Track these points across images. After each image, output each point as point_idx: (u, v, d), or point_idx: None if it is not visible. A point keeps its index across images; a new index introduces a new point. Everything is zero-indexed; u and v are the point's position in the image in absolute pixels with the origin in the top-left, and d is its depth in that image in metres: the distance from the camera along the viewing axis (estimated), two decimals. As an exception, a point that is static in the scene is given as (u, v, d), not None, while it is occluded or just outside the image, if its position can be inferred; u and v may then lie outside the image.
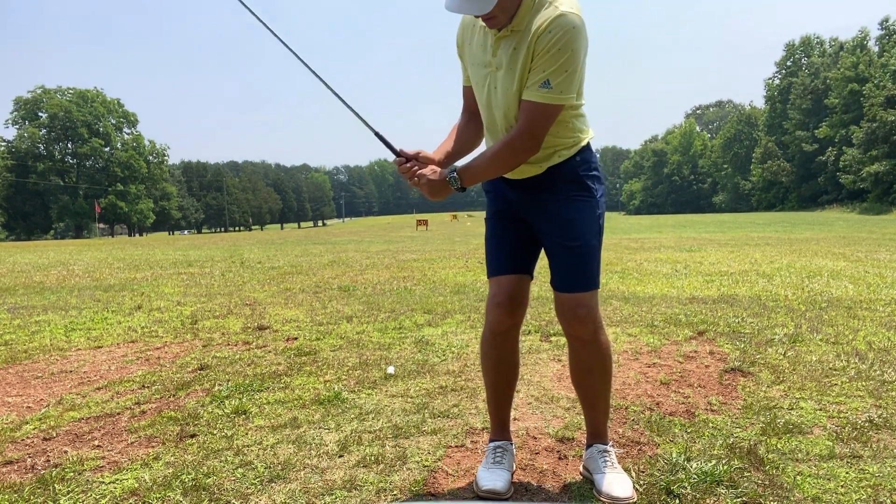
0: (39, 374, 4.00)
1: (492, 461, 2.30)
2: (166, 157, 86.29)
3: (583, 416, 2.43)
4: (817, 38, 79.33)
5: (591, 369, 2.26)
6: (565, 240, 2.16)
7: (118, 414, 3.17)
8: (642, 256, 11.56)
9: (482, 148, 2.34)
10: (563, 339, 4.49)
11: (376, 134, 2.19)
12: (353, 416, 3.01)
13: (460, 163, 2.19)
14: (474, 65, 2.17)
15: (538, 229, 2.24)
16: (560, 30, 1.90)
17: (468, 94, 2.31)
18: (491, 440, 2.41)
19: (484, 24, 2.06)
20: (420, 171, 2.10)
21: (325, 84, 2.22)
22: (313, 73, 2.23)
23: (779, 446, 2.52)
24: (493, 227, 2.35)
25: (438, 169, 2.13)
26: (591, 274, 2.16)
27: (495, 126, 2.18)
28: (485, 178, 2.18)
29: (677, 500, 2.10)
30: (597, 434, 2.34)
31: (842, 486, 2.18)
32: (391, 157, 2.21)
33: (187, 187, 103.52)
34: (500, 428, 2.42)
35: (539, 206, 2.21)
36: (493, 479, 2.19)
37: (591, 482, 2.24)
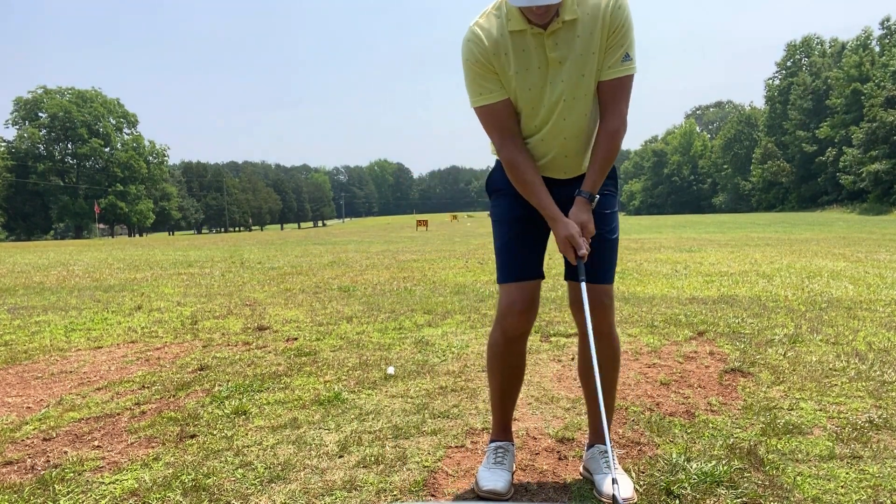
0: (39, 375, 4.00)
1: (493, 461, 2.30)
2: (166, 158, 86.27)
3: (584, 417, 2.44)
4: (818, 38, 79.34)
5: (603, 364, 2.22)
6: (606, 232, 2.23)
7: (118, 414, 3.17)
8: (642, 257, 11.56)
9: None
10: (564, 340, 4.49)
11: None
12: (353, 416, 3.01)
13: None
14: (523, 70, 2.07)
15: None
16: (625, 4, 2.03)
17: (500, 110, 2.12)
18: (492, 440, 2.41)
19: (517, 28, 2.02)
20: (580, 240, 2.10)
21: None
22: None
23: (779, 447, 2.52)
24: (513, 230, 2.28)
25: (573, 214, 2.13)
26: (615, 265, 2.30)
27: (548, 120, 2.12)
28: (605, 176, 2.19)
29: (677, 501, 2.10)
30: (599, 434, 2.33)
31: (842, 487, 2.18)
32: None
33: (187, 188, 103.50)
34: (502, 429, 2.43)
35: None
36: (493, 479, 2.19)
37: (592, 482, 2.24)
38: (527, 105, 2.12)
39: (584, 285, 2.13)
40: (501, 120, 2.14)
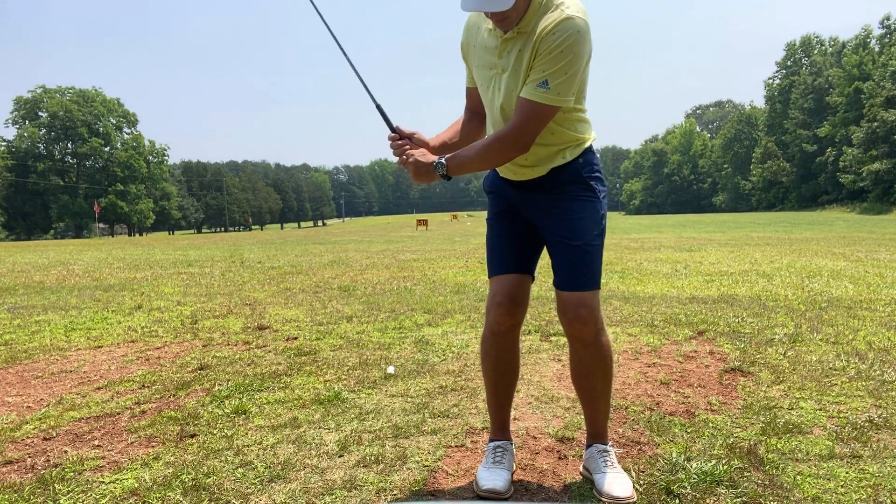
0: (39, 374, 4.00)
1: (492, 461, 2.30)
2: (166, 157, 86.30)
3: (583, 416, 2.43)
4: (818, 37, 79.33)
5: (592, 371, 2.24)
6: (569, 239, 2.16)
7: (118, 414, 3.17)
8: (642, 256, 11.55)
9: None
10: (564, 339, 4.49)
11: (377, 106, 2.24)
12: (353, 416, 3.01)
13: None
14: (480, 67, 2.18)
15: (542, 227, 2.25)
16: (564, 32, 1.91)
17: (472, 94, 2.35)
18: (491, 440, 2.41)
19: (490, 26, 2.07)
20: (410, 151, 2.17)
21: (336, 40, 2.28)
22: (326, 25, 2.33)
23: (779, 446, 2.52)
24: (494, 227, 2.37)
25: (428, 153, 2.18)
26: (592, 273, 2.17)
27: (495, 124, 2.20)
28: (471, 170, 2.16)
29: (677, 500, 2.10)
30: (597, 434, 2.33)
31: (842, 486, 2.18)
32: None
33: (187, 187, 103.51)
34: (500, 428, 2.42)
35: (543, 206, 2.22)
36: (493, 478, 2.19)
37: (591, 482, 2.24)
38: (486, 104, 2.24)
39: (558, 293, 2.21)
40: (472, 102, 2.39)
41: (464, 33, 2.24)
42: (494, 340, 2.32)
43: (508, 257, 2.29)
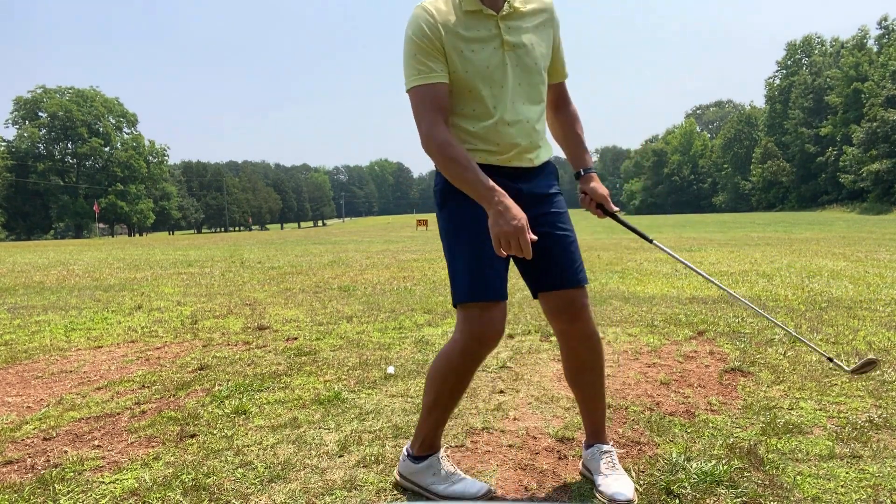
0: (39, 374, 4.00)
1: (453, 470, 2.22)
2: (166, 157, 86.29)
3: (580, 416, 2.43)
4: (818, 37, 79.31)
5: (594, 366, 2.21)
6: (570, 232, 2.17)
7: (118, 414, 3.17)
8: (642, 256, 11.55)
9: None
10: (563, 339, 4.50)
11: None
12: (353, 416, 3.01)
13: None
14: (480, 49, 2.03)
15: (542, 223, 2.11)
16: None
17: (444, 93, 2.01)
18: (434, 452, 2.24)
19: (472, 8, 2.00)
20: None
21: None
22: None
23: (779, 446, 2.52)
24: (487, 242, 1.96)
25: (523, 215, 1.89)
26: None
27: (514, 104, 2.07)
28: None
29: (677, 500, 2.10)
30: (597, 433, 2.32)
31: (842, 486, 2.18)
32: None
33: (187, 187, 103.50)
34: (438, 439, 2.28)
35: (544, 199, 2.15)
36: (476, 483, 2.17)
37: (591, 482, 2.24)
38: (486, 86, 2.04)
39: (564, 293, 2.12)
40: (440, 101, 1.99)
41: (427, 26, 1.98)
42: (474, 368, 2.12)
43: (504, 279, 2.06)
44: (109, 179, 76.40)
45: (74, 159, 76.76)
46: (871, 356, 2.78)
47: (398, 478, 2.25)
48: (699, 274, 2.38)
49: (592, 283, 7.81)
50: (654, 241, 2.28)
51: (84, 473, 2.44)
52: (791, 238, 17.03)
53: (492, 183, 1.87)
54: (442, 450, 2.28)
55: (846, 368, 2.35)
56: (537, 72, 2.10)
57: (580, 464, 2.39)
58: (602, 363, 2.25)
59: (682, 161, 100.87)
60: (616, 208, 2.28)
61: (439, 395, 2.15)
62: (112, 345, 4.84)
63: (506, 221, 1.82)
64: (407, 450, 2.26)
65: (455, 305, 2.07)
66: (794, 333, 2.52)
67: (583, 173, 2.28)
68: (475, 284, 2.01)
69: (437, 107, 1.98)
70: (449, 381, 2.12)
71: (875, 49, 65.64)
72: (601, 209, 2.27)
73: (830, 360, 2.42)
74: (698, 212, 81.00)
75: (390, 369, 3.79)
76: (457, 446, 2.63)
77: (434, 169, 2.11)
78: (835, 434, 2.64)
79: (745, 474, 2.27)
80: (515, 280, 8.25)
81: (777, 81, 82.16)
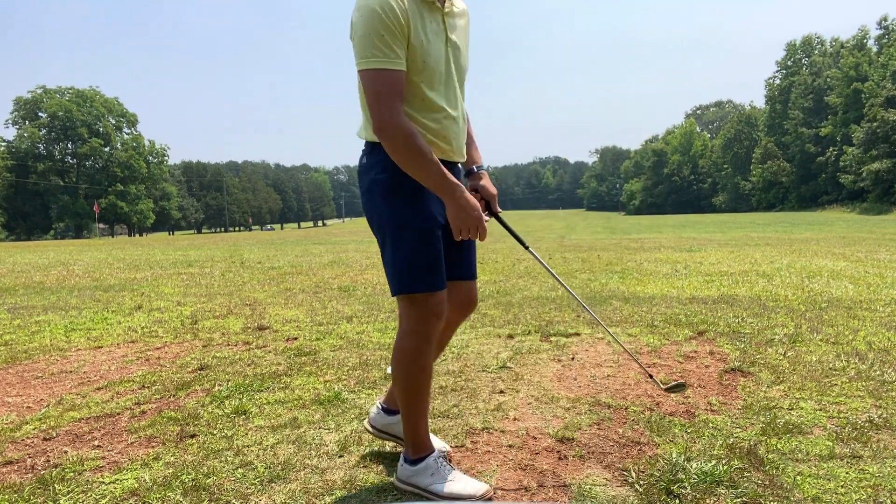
0: (39, 374, 4.00)
1: (450, 469, 2.22)
2: (166, 157, 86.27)
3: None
4: (818, 37, 79.32)
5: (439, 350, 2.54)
6: None
7: (118, 414, 3.17)
8: (642, 256, 11.56)
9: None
10: (564, 340, 4.50)
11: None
12: (353, 416, 3.01)
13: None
14: (437, 41, 2.05)
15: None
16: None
17: (403, 81, 1.98)
18: (429, 453, 2.24)
19: (430, 2, 2.03)
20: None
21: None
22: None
23: (779, 446, 2.52)
24: (436, 232, 2.14)
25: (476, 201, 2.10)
26: None
27: (455, 100, 2.17)
28: None
29: (677, 501, 2.10)
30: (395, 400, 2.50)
31: (842, 486, 2.18)
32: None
33: (187, 187, 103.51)
34: (429, 437, 2.30)
35: None
36: (475, 483, 2.17)
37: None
38: (439, 81, 2.06)
39: (465, 284, 2.37)
40: (400, 89, 1.96)
41: (398, 7, 1.92)
42: (435, 335, 2.22)
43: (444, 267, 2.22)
44: (109, 179, 76.39)
45: (74, 159, 76.75)
46: (682, 380, 3.06)
47: (398, 483, 2.26)
48: (565, 289, 2.51)
49: (592, 283, 7.82)
50: (530, 249, 2.32)
51: (84, 473, 2.44)
52: (791, 238, 17.03)
53: (452, 176, 2.02)
54: (437, 450, 2.29)
55: (661, 386, 2.53)
56: (465, 71, 2.22)
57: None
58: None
59: (682, 161, 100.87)
60: (499, 210, 2.36)
61: (410, 390, 2.21)
62: (112, 345, 4.84)
63: (467, 214, 2.02)
64: (403, 456, 2.27)
65: (400, 294, 2.14)
66: (606, 328, 2.52)
67: (475, 170, 2.37)
68: (432, 276, 2.11)
69: (398, 94, 1.95)
70: (413, 371, 2.20)
71: (875, 49, 65.69)
72: (487, 209, 2.32)
73: (650, 377, 2.66)
74: (698, 212, 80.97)
75: (390, 369, 3.78)
76: (457, 446, 2.63)
77: (365, 155, 2.17)
78: (835, 434, 2.64)
79: (745, 474, 2.27)
80: (516, 280, 8.25)
81: (777, 81, 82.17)
